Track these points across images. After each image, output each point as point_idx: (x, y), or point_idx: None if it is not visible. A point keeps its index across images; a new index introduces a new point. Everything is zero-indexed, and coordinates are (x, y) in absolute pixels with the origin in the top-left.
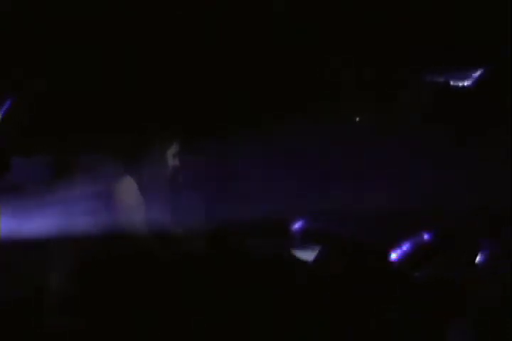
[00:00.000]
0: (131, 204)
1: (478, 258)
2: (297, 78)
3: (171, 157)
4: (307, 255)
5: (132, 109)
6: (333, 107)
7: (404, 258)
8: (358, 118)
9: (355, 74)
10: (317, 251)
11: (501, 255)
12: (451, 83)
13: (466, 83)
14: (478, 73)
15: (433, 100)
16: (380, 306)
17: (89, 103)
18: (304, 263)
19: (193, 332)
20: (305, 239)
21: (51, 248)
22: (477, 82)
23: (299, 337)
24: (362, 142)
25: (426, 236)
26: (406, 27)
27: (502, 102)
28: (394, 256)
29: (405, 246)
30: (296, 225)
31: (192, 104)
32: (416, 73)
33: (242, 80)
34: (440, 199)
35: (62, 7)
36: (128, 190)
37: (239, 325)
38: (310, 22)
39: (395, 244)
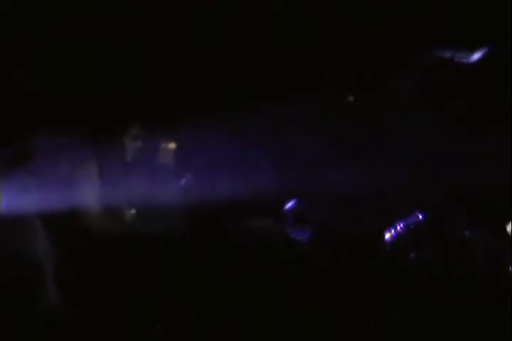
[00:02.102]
0: (93, 187)
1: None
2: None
3: (132, 139)
4: (299, 235)
5: (94, 94)
6: (325, 87)
7: (397, 239)
8: (350, 99)
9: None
10: (308, 232)
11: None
12: (455, 61)
13: (469, 61)
14: (481, 52)
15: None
16: (369, 286)
17: (50, 87)
18: (295, 243)
19: (174, 312)
20: (296, 220)
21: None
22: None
23: (288, 318)
24: (354, 122)
25: (420, 217)
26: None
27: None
28: (388, 236)
29: (399, 227)
30: (288, 206)
31: (153, 89)
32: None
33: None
34: (434, 180)
35: None
36: (89, 173)
37: (226, 305)
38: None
39: (388, 225)
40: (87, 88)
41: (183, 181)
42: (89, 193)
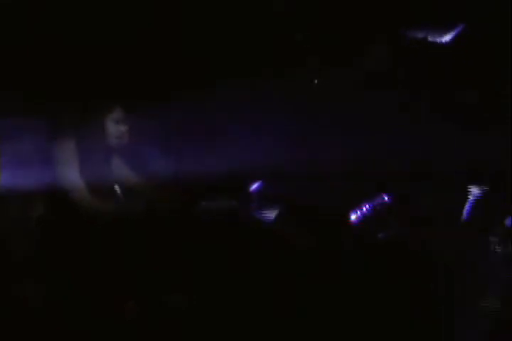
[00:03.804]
0: (70, 163)
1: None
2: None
3: (113, 122)
4: (265, 216)
5: (78, 75)
6: (298, 66)
7: (363, 220)
8: (318, 80)
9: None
10: (275, 212)
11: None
12: (430, 39)
13: (445, 39)
14: (457, 30)
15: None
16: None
17: (35, 65)
18: (261, 223)
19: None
20: (263, 200)
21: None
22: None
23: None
24: (323, 103)
25: (385, 198)
26: None
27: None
28: (353, 217)
29: (365, 208)
30: (254, 187)
31: (134, 72)
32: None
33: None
34: (401, 161)
35: None
36: (67, 150)
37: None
38: None
39: (354, 206)
40: (71, 68)
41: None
42: (67, 170)
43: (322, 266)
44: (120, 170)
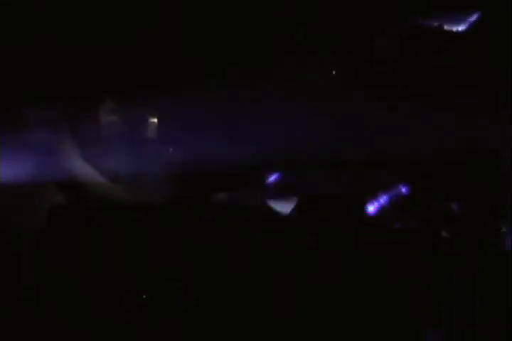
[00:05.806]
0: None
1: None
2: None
3: (107, 113)
4: (282, 208)
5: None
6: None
7: (381, 211)
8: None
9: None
10: (292, 204)
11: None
12: (445, 27)
13: (460, 28)
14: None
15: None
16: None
17: (29, 57)
18: (278, 215)
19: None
20: (280, 192)
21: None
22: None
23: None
24: (337, 91)
25: (403, 189)
26: None
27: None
28: (371, 208)
29: (383, 199)
30: (272, 178)
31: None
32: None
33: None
34: (419, 150)
35: None
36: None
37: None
38: None
39: (372, 197)
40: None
41: (164, 153)
42: (68, 161)
43: (340, 259)
44: (120, 161)
